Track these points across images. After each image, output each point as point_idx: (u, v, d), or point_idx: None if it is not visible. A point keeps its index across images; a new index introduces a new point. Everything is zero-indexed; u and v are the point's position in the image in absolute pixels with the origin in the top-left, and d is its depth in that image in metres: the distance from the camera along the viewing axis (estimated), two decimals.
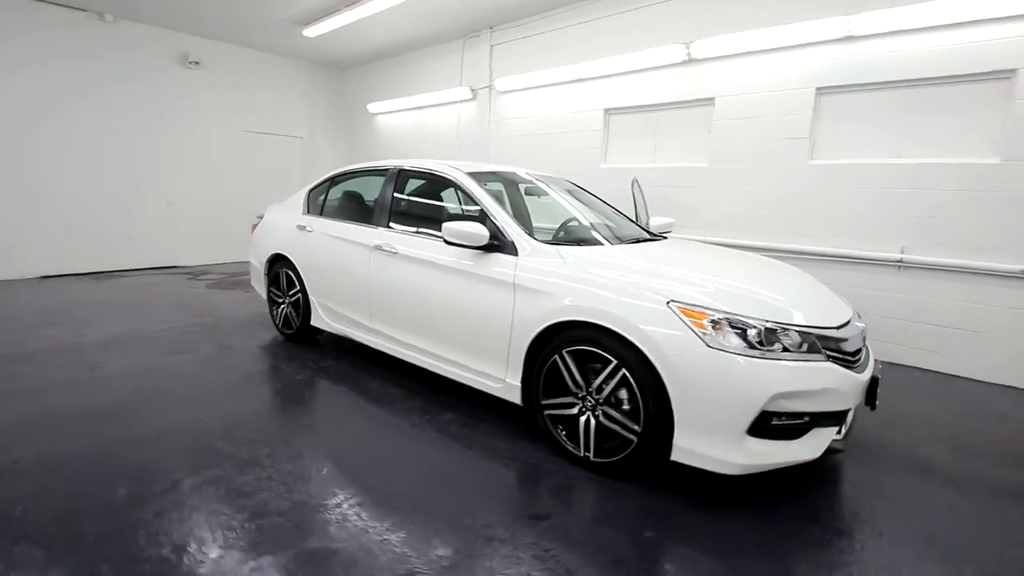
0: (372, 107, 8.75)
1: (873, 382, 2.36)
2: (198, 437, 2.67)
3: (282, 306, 4.32)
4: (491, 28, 6.81)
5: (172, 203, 7.80)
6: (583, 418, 2.46)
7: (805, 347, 2.15)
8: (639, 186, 5.22)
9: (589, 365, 2.44)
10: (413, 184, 3.60)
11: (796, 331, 2.15)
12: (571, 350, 2.45)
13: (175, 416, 2.89)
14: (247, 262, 8.52)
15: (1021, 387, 3.77)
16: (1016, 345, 3.75)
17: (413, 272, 3.18)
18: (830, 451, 2.22)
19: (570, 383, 2.48)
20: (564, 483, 2.38)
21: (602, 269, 2.52)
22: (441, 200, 3.59)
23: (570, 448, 2.52)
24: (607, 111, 5.83)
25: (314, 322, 4.02)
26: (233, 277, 7.22)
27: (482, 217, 2.98)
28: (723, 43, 4.76)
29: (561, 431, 2.56)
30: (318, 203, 4.18)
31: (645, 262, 2.65)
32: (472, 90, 7.13)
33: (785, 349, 2.11)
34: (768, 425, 2.09)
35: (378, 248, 3.39)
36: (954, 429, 3.09)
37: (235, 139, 8.29)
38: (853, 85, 4.25)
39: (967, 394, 3.69)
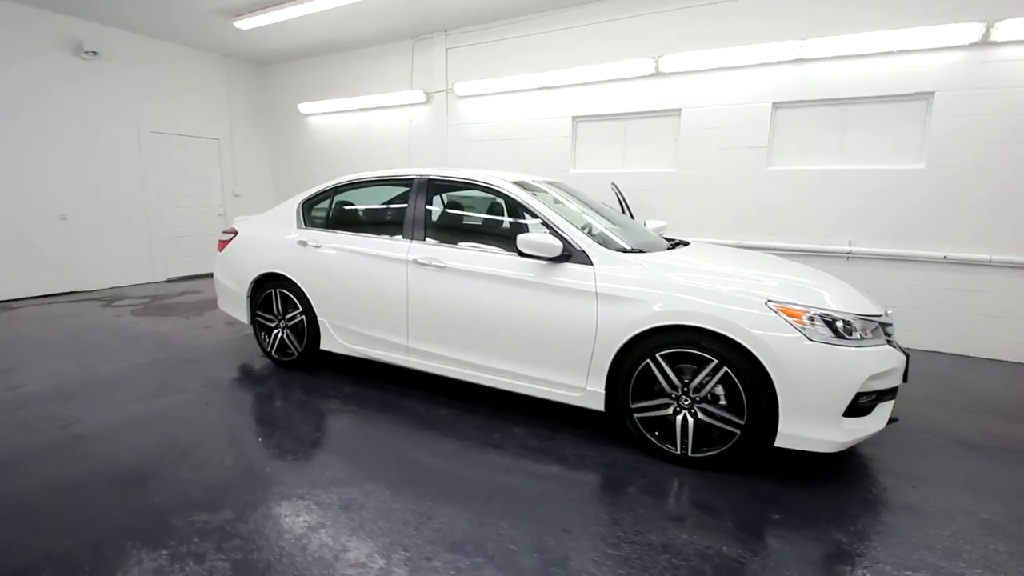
0: (304, 107, 8.11)
1: (907, 359, 2.77)
2: (282, 496, 2.34)
3: (276, 331, 3.89)
4: (445, 31, 6.68)
5: (66, 217, 6.56)
6: (679, 417, 2.58)
7: (871, 333, 2.46)
8: (619, 190, 5.49)
9: (679, 365, 2.56)
10: (448, 195, 3.45)
11: (868, 320, 2.46)
12: (665, 353, 2.55)
13: (222, 474, 2.49)
14: (164, 282, 7.53)
15: (949, 352, 4.60)
16: (941, 318, 4.59)
17: (467, 286, 3.07)
18: (890, 420, 2.57)
19: (665, 385, 2.58)
20: (673, 481, 2.48)
21: (678, 274, 2.65)
22: (486, 211, 3.50)
23: (666, 448, 2.62)
24: (575, 118, 6.02)
25: (325, 346, 3.69)
26: (158, 301, 6.29)
27: (538, 226, 2.97)
28: (690, 59, 5.18)
29: (654, 432, 2.65)
30: (319, 216, 3.83)
31: (711, 265, 2.83)
32: (426, 93, 6.93)
33: (861, 337, 2.41)
34: (857, 405, 2.37)
35: (417, 263, 3.21)
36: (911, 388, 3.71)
37: (141, 142, 7.19)
38: (804, 101, 4.88)
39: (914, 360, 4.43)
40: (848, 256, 4.87)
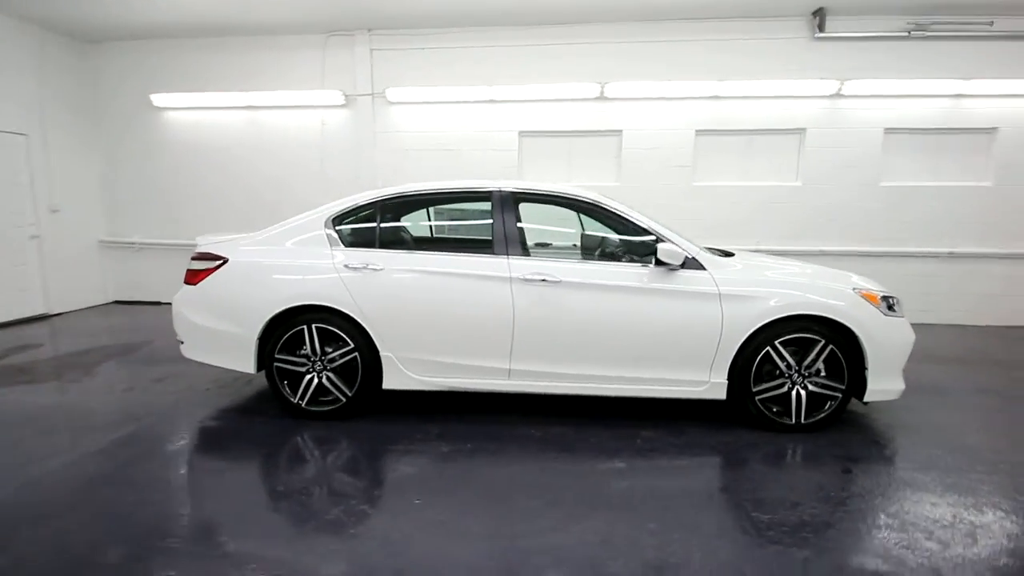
0: (161, 99, 6.47)
1: None
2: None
3: (310, 376, 3.19)
4: (369, 30, 6.16)
5: None
6: (793, 392, 3.06)
7: (900, 308, 3.30)
8: None
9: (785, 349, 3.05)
10: (535, 209, 3.33)
11: (896, 299, 3.30)
12: (786, 340, 3.01)
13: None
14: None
15: None
16: None
17: (585, 299, 3.07)
18: None
19: (782, 367, 3.04)
20: (804, 447, 2.95)
21: (772, 273, 3.16)
22: (575, 223, 3.49)
23: (784, 421, 3.08)
24: (522, 133, 6.21)
25: (390, 384, 3.19)
26: (28, 352, 4.37)
27: (641, 235, 3.17)
28: (632, 87, 5.88)
29: (773, 409, 3.09)
30: (363, 234, 3.31)
31: (783, 263, 3.41)
32: (346, 95, 6.27)
33: (899, 310, 3.23)
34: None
35: (524, 280, 3.05)
36: None
37: None
38: (719, 130, 6.00)
39: None
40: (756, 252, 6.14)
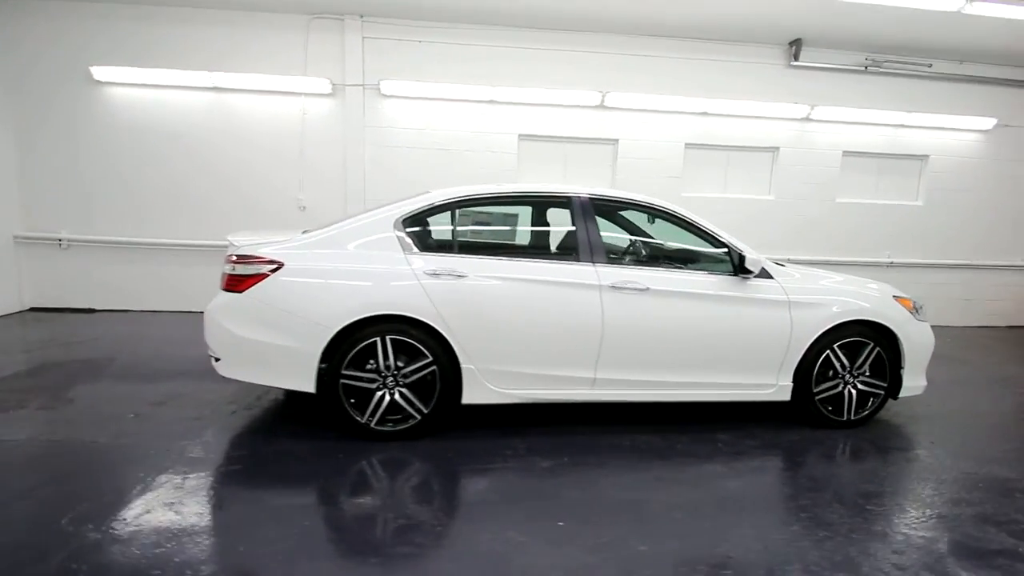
0: (103, 72, 5.54)
1: None
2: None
3: (381, 393, 2.90)
4: (361, 16, 5.75)
5: None
6: (846, 391, 3.34)
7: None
8: None
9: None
10: (611, 215, 3.31)
11: (922, 304, 3.69)
12: (841, 343, 3.27)
13: None
14: None
15: None
16: None
17: (670, 307, 3.11)
18: None
19: (839, 368, 3.30)
20: (863, 441, 3.23)
21: (827, 282, 3.44)
22: (648, 231, 3.51)
23: (836, 418, 3.34)
24: (521, 136, 6.14)
25: (470, 398, 3.00)
26: None
27: (715, 243, 3.30)
28: (630, 99, 6.05)
29: (828, 408, 3.34)
30: (440, 238, 3.09)
31: (827, 273, 3.69)
32: (333, 84, 5.80)
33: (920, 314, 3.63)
34: None
35: (614, 288, 3.02)
36: None
37: None
38: (706, 144, 6.37)
39: None
40: None
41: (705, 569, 1.96)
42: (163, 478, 2.45)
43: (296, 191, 6.03)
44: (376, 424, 2.93)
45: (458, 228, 3.15)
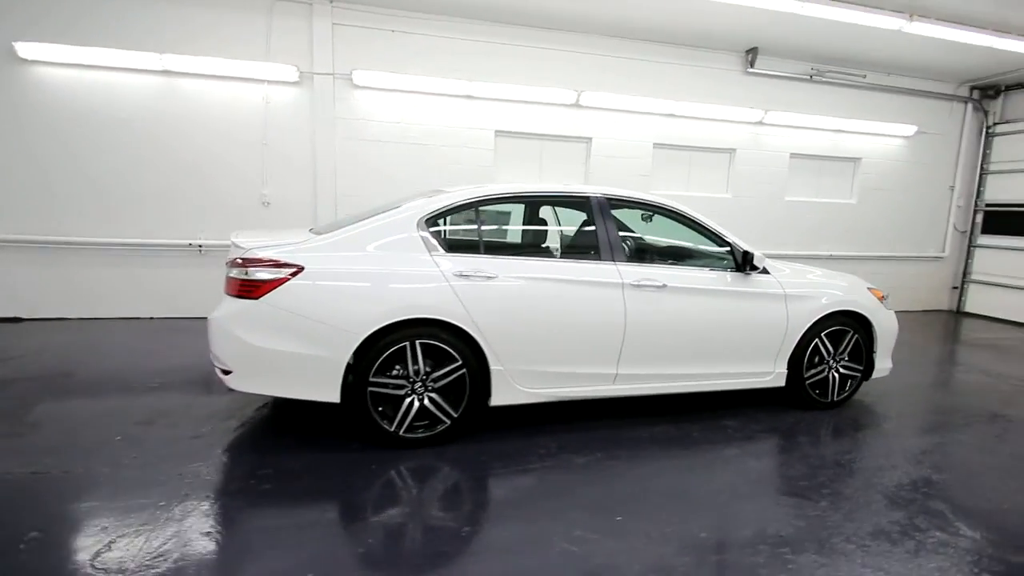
0: (26, 49, 4.85)
1: None
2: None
3: (410, 399, 2.82)
4: (331, 1, 5.43)
5: None
6: (830, 375, 3.66)
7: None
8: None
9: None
10: (625, 213, 3.39)
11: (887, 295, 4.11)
12: (827, 332, 3.58)
13: None
14: None
15: None
16: None
17: (685, 302, 3.26)
18: None
19: (825, 354, 3.62)
20: (849, 419, 3.57)
21: (813, 276, 3.75)
22: (643, 229, 3.58)
23: (822, 400, 3.66)
24: (498, 132, 6.10)
25: (499, 400, 2.99)
26: None
27: (718, 241, 3.50)
28: (603, 98, 6.19)
29: (816, 392, 3.65)
30: (465, 238, 3.04)
31: (809, 268, 4.00)
32: (300, 72, 5.45)
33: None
34: None
35: (635, 285, 3.12)
36: None
37: None
38: (672, 144, 6.66)
39: None
40: None
41: (767, 549, 2.10)
42: (188, 506, 2.24)
43: (259, 186, 5.63)
44: (405, 432, 2.83)
45: (482, 227, 3.10)
